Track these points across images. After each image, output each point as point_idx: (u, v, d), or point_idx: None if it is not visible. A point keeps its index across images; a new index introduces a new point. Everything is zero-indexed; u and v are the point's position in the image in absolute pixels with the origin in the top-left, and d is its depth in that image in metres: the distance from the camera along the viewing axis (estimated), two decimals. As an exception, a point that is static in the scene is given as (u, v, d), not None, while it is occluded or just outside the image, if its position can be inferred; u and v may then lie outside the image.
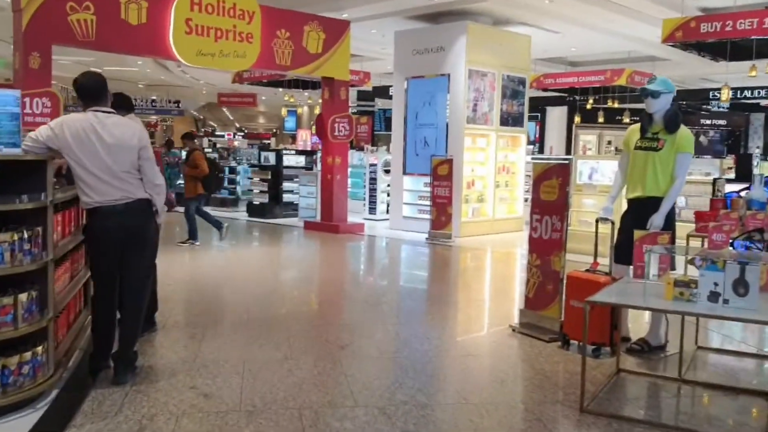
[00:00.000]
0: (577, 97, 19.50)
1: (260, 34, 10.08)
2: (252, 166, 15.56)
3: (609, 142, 20.40)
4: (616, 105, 18.75)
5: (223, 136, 30.21)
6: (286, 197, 14.34)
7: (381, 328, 5.57)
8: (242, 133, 33.35)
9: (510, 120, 12.31)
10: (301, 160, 15.26)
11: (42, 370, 3.36)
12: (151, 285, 4.74)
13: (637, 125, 4.87)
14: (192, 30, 9.29)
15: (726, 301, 3.43)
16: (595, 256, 4.96)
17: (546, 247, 5.24)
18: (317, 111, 16.29)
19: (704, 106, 21.45)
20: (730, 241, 4.31)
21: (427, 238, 10.76)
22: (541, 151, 21.80)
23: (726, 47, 10.47)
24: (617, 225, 4.89)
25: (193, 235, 9.68)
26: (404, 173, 12.26)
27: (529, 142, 16.68)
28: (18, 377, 3.21)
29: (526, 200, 12.14)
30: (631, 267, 4.49)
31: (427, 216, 11.05)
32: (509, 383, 4.30)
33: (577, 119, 20.00)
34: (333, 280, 8.17)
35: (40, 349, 3.34)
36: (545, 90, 17.95)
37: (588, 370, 3.93)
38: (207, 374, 4.17)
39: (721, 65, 12.20)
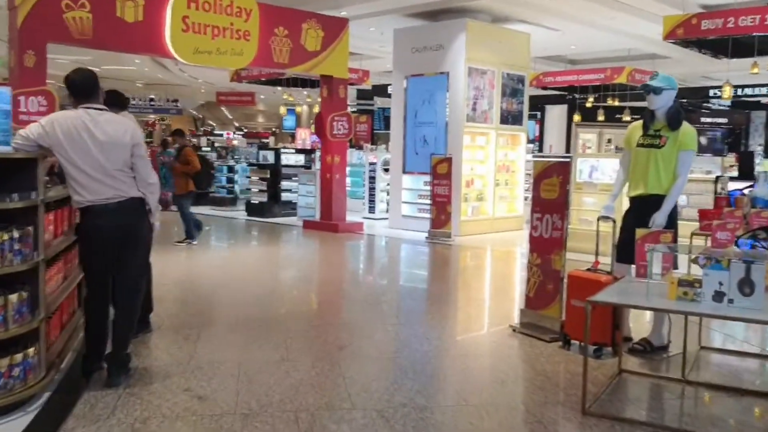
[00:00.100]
0: (577, 96, 19.46)
1: (258, 32, 10.01)
2: (251, 165, 15.48)
3: (609, 141, 20.31)
4: (616, 103, 18.71)
5: (221, 135, 30.12)
6: (285, 196, 14.26)
7: (380, 328, 5.51)
8: (241, 132, 33.29)
9: (510, 118, 12.25)
10: (300, 159, 15.19)
11: (33, 372, 3.29)
12: (146, 285, 4.68)
13: (639, 122, 4.81)
14: (189, 28, 9.22)
15: (731, 301, 3.37)
16: (597, 254, 4.91)
17: (546, 245, 5.19)
18: (316, 110, 16.22)
19: (705, 104, 21.40)
20: (735, 239, 4.25)
21: (426, 237, 10.70)
22: (540, 149, 21.75)
23: (727, 44, 10.43)
24: (618, 223, 4.84)
25: (190, 235, 9.62)
26: (404, 172, 12.20)
27: (529, 141, 16.62)
28: (9, 380, 3.14)
29: (526, 199, 12.09)
30: (633, 266, 4.42)
31: (427, 215, 11.00)
32: (510, 384, 4.24)
33: (576, 117, 19.95)
34: (332, 280, 8.11)
35: (31, 350, 3.28)
36: (545, 88, 17.92)
37: (589, 370, 3.88)
38: (202, 376, 4.11)
39: (722, 63, 12.15)
